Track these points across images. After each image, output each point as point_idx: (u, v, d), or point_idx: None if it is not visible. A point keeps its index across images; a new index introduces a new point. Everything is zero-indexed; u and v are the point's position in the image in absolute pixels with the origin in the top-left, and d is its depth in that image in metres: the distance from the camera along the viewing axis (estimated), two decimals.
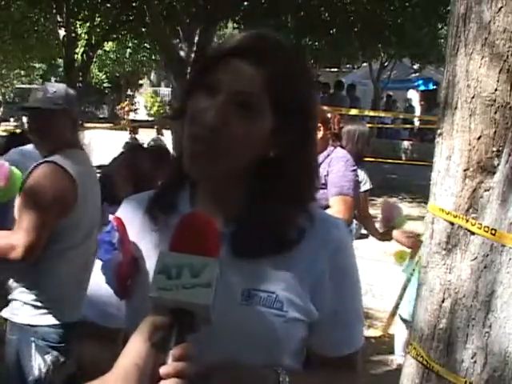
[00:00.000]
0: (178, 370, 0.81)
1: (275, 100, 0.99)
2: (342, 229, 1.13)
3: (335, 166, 3.27)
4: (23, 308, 2.27)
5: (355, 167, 3.43)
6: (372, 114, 13.93)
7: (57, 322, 2.23)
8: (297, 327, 1.04)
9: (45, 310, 2.24)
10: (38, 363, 2.20)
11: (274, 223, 1.02)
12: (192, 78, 1.08)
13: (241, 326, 1.00)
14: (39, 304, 2.25)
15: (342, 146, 3.55)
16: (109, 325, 1.14)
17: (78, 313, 2.09)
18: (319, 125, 3.23)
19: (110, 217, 1.12)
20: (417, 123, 17.06)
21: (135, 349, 0.83)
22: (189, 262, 0.87)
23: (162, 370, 0.81)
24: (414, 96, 20.33)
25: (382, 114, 15.00)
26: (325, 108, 3.84)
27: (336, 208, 3.11)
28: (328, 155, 3.29)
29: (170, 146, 8.51)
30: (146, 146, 7.65)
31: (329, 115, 3.50)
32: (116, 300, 1.11)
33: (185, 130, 1.01)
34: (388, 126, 16.48)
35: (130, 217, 1.12)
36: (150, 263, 0.99)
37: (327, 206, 3.12)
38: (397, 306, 4.19)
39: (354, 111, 11.94)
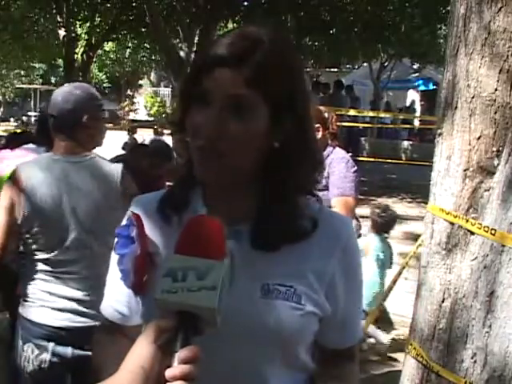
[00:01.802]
0: (184, 373, 0.81)
1: (266, 93, 1.01)
2: (350, 226, 1.17)
3: (336, 168, 3.27)
4: (21, 299, 2.36)
5: (355, 168, 3.43)
6: (372, 114, 13.91)
7: (34, 320, 2.28)
8: (312, 321, 1.08)
9: (28, 304, 2.32)
10: (19, 351, 2.27)
11: (290, 212, 1.06)
12: (182, 92, 1.11)
13: (260, 319, 1.03)
14: (25, 298, 2.33)
15: (340, 146, 3.56)
16: (122, 323, 1.16)
17: (56, 319, 2.20)
18: (318, 125, 3.23)
19: (128, 213, 1.13)
20: (417, 123, 17.04)
21: (141, 351, 0.83)
22: (194, 264, 0.87)
23: (168, 373, 0.81)
24: (413, 96, 20.31)
25: (382, 115, 14.97)
26: (322, 108, 3.82)
27: (338, 209, 3.12)
28: (328, 156, 3.29)
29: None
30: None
31: (326, 115, 3.50)
32: (128, 298, 1.12)
33: (189, 143, 1.05)
34: (388, 125, 16.46)
35: (141, 216, 1.13)
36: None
37: (329, 207, 3.13)
38: (384, 299, 4.25)
39: (353, 111, 11.94)
